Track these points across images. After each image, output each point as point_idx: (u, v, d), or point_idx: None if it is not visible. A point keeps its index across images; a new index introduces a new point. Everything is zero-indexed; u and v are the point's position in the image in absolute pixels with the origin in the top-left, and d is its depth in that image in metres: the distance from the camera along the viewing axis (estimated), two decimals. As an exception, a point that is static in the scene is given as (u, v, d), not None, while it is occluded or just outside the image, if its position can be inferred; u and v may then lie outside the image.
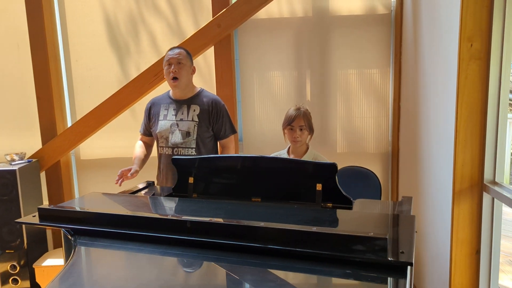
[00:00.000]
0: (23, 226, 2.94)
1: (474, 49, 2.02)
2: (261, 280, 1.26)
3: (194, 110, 2.54)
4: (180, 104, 2.56)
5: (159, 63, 3.10)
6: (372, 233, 1.27)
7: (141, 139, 2.75)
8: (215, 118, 2.55)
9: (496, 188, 2.03)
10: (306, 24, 3.32)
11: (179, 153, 2.52)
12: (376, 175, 2.77)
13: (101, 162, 3.59)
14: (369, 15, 3.27)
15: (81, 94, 3.50)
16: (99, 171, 3.59)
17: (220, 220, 1.41)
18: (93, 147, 3.54)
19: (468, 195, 2.13)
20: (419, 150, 2.74)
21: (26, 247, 2.95)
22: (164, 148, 2.56)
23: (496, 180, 2.08)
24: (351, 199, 1.84)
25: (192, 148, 2.52)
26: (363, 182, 2.89)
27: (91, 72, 3.47)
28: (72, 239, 1.49)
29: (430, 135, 2.52)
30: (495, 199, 2.07)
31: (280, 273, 1.29)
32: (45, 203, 3.39)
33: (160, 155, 2.60)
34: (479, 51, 2.01)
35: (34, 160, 3.18)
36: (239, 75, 3.40)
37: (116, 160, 3.56)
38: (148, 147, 2.74)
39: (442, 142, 2.31)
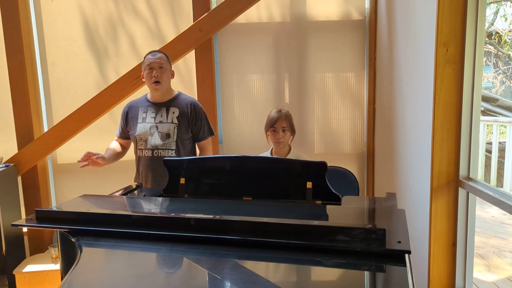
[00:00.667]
0: (1, 232, 2.87)
1: (450, 54, 2.16)
2: (266, 272, 1.32)
3: (174, 113, 2.58)
4: (159, 106, 2.60)
5: (140, 66, 3.09)
6: (370, 225, 1.36)
7: (116, 140, 2.76)
8: (194, 120, 2.60)
9: (471, 183, 2.18)
10: (284, 29, 3.41)
11: (159, 155, 2.55)
12: (353, 174, 2.89)
13: (78, 166, 3.53)
14: (344, 21, 3.40)
15: (58, 98, 3.44)
16: (77, 175, 3.54)
17: (225, 217, 1.46)
18: (70, 150, 3.48)
19: (445, 190, 2.28)
20: (396, 149, 2.88)
21: (4, 253, 2.87)
22: (144, 151, 2.58)
23: (470, 176, 2.23)
24: (340, 196, 1.93)
25: (172, 149, 2.55)
26: (341, 181, 3.00)
27: (68, 75, 3.42)
28: (75, 240, 1.50)
29: (407, 135, 2.66)
30: (469, 194, 2.22)
31: (284, 266, 1.35)
32: (21, 209, 3.31)
33: (139, 158, 2.62)
34: (454, 55, 2.16)
35: (11, 164, 3.11)
36: (219, 78, 3.45)
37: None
38: (122, 148, 2.75)
39: (419, 142, 2.45)
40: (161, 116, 2.57)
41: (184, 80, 3.42)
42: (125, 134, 2.70)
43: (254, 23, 3.40)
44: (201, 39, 3.11)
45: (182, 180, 2.09)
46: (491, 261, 3.60)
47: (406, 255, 1.26)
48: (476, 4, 2.09)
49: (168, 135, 2.54)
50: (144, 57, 2.57)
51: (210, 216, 1.49)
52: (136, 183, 2.56)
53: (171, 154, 2.54)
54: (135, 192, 2.26)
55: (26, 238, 3.35)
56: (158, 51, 2.61)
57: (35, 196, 3.33)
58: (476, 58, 2.14)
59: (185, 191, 2.08)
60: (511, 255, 3.75)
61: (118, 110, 3.32)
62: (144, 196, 2.17)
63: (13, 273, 2.82)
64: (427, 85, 2.29)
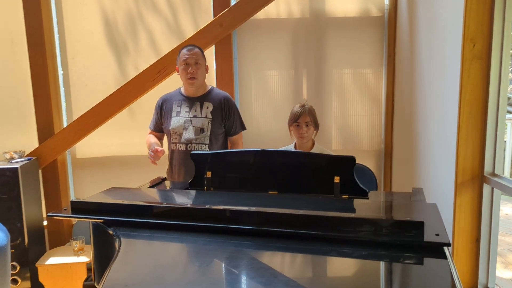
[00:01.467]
0: (24, 225, 2.90)
1: (477, 50, 2.16)
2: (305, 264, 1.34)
3: (207, 107, 2.60)
4: (193, 101, 2.62)
5: (162, 60, 3.12)
6: (409, 218, 1.37)
7: (151, 133, 2.78)
8: (227, 115, 2.62)
9: (496, 179, 2.18)
10: (303, 25, 3.42)
11: (193, 149, 2.57)
12: (371, 171, 2.89)
13: (97, 160, 3.57)
14: (363, 17, 3.40)
15: (77, 92, 3.47)
16: (95, 169, 3.57)
17: (261, 209, 1.48)
18: (89, 145, 3.51)
19: (469, 186, 2.28)
20: (417, 146, 2.88)
21: (27, 246, 2.90)
22: (178, 144, 2.60)
23: (495, 172, 2.23)
24: (367, 191, 1.94)
25: (205, 144, 2.58)
26: (360, 178, 3.01)
27: (87, 70, 3.45)
28: (111, 231, 1.52)
29: (431, 131, 2.66)
30: (494, 189, 2.22)
31: (324, 258, 1.36)
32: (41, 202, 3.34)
33: (172, 151, 2.64)
34: (481, 51, 2.16)
35: (33, 158, 3.14)
36: (237, 73, 3.46)
37: (112, 158, 3.55)
38: (159, 141, 2.78)
39: (444, 138, 2.45)
40: (195, 110, 2.60)
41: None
42: (159, 127, 2.74)
43: (273, 19, 3.41)
44: (222, 34, 3.12)
45: (209, 174, 2.12)
46: (507, 258, 3.60)
47: (446, 248, 1.28)
48: (504, 0, 2.09)
49: (202, 130, 2.57)
50: (180, 52, 2.59)
51: (246, 208, 1.51)
52: (159, 177, 2.58)
53: (205, 148, 2.56)
54: (160, 185, 2.28)
55: (45, 232, 3.39)
56: (194, 45, 2.63)
57: (54, 190, 3.36)
58: (503, 54, 2.14)
59: (211, 184, 2.10)
60: (528, 253, 3.75)
61: (136, 105, 3.36)
62: (171, 189, 2.20)
63: (36, 265, 2.85)
64: (452, 81, 2.29)
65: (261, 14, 3.35)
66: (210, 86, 2.69)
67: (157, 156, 2.44)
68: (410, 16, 3.01)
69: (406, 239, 1.31)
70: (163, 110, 2.69)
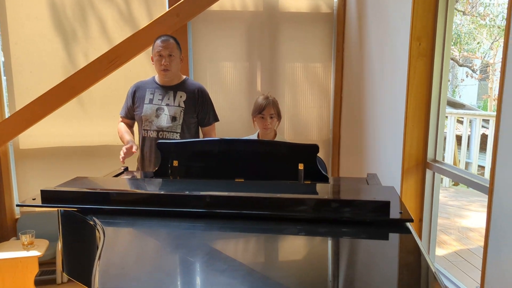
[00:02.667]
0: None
1: (422, 48, 2.38)
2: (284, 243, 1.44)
3: (181, 97, 2.61)
4: (166, 89, 2.62)
5: (115, 49, 3.05)
6: (375, 198, 1.52)
7: (122, 121, 2.73)
8: (201, 106, 2.65)
9: (437, 165, 2.43)
10: (257, 18, 3.50)
11: (164, 137, 2.57)
12: (322, 159, 3.07)
13: (42, 151, 3.42)
14: (314, 13, 3.55)
15: (21, 80, 3.29)
16: (41, 161, 3.42)
17: (242, 194, 1.55)
18: (34, 135, 3.35)
19: (414, 172, 2.51)
20: (365, 136, 3.09)
21: (-30, 242, 2.74)
22: (149, 131, 2.60)
23: (436, 158, 2.48)
24: (328, 177, 2.08)
25: (177, 132, 2.59)
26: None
27: (32, 57, 3.28)
28: (89, 219, 1.51)
29: (379, 122, 2.87)
30: (435, 173, 2.47)
31: (303, 237, 1.47)
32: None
33: (143, 138, 2.63)
34: (426, 49, 2.38)
35: (-25, 149, 2.95)
36: (192, 64, 3.47)
37: (59, 149, 3.42)
38: (130, 129, 2.74)
39: (391, 128, 2.66)
40: (168, 99, 2.59)
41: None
42: (131, 114, 2.70)
43: (228, 11, 3.45)
44: (178, 24, 3.12)
45: (175, 163, 2.15)
46: (439, 238, 3.97)
47: (409, 224, 1.43)
48: (446, 2, 2.32)
49: (174, 118, 2.57)
50: (154, 42, 2.58)
51: (225, 193, 1.57)
52: (122, 166, 2.55)
53: (176, 136, 2.57)
54: (123, 174, 2.27)
55: (-13, 227, 3.20)
56: (169, 36, 2.61)
57: (-4, 183, 3.18)
58: (444, 52, 2.37)
59: (177, 173, 2.13)
60: (455, 232, 4.16)
61: (86, 95, 3.26)
62: (137, 178, 2.20)
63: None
64: (400, 77, 2.49)
65: (216, 6, 3.38)
66: (185, 77, 2.71)
67: (129, 154, 2.42)
68: (359, 14, 3.20)
69: (373, 218, 1.45)
70: (135, 97, 2.66)
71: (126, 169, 2.38)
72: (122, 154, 2.41)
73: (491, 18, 8.38)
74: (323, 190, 1.86)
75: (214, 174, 2.11)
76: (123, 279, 1.14)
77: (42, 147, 3.40)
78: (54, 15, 3.26)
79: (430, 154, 2.48)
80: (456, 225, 4.38)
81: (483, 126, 6.28)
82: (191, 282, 1.13)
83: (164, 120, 2.59)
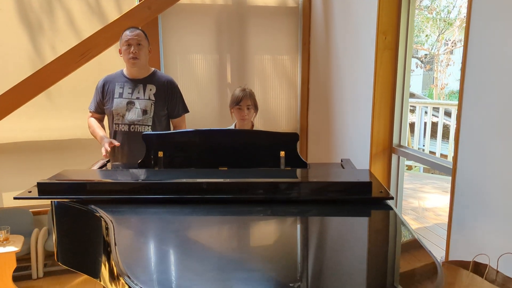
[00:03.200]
0: None
1: (387, 41, 2.57)
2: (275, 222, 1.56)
3: (151, 90, 2.64)
4: (136, 83, 2.63)
5: (86, 42, 3.04)
6: (358, 179, 1.67)
7: (92, 116, 2.72)
8: (170, 98, 2.68)
9: (402, 149, 2.64)
10: (226, 11, 3.58)
11: (136, 130, 2.60)
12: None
13: (9, 146, 3.35)
14: (280, 7, 3.68)
15: (-16, 73, 3.20)
16: (8, 156, 3.34)
17: (239, 180, 1.66)
18: (1, 130, 3.27)
19: (381, 156, 2.71)
20: (334, 124, 3.27)
21: None
22: (120, 125, 2.61)
23: (401, 143, 2.69)
24: (307, 163, 2.22)
25: (148, 125, 2.62)
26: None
27: (-4, 49, 3.19)
28: (92, 210, 1.56)
29: (347, 111, 3.05)
30: (400, 157, 2.69)
31: (294, 217, 1.60)
32: None
33: (115, 132, 2.63)
34: (391, 42, 2.57)
35: None
36: (163, 57, 3.50)
37: (27, 144, 3.36)
38: (100, 122, 2.74)
39: (359, 117, 2.85)
40: (138, 92, 2.61)
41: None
42: (101, 109, 2.68)
43: (197, 4, 3.51)
44: (149, 17, 3.14)
45: (160, 154, 2.21)
46: (399, 219, 4.25)
47: (391, 201, 1.60)
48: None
49: (145, 111, 2.60)
50: (122, 33, 2.57)
51: (221, 180, 1.68)
52: (103, 159, 2.57)
53: (148, 129, 2.60)
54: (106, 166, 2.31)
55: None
56: (136, 27, 2.62)
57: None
58: (407, 45, 2.58)
59: (162, 164, 2.20)
60: (412, 212, 4.47)
61: (55, 88, 3.22)
62: (123, 169, 2.24)
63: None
64: (367, 68, 2.68)
65: (185, -1, 3.43)
66: (153, 69, 2.72)
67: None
68: (325, 9, 3.36)
69: (358, 197, 1.61)
70: (105, 91, 2.66)
71: (108, 161, 2.42)
72: (104, 152, 2.43)
73: (437, 12, 8.89)
74: (306, 174, 2.00)
75: (198, 163, 2.19)
76: (142, 259, 1.22)
77: (10, 142, 3.32)
78: (19, 6, 3.18)
79: (395, 140, 2.69)
80: (412, 206, 4.70)
81: (432, 115, 6.71)
82: (194, 255, 1.24)
83: (135, 114, 2.61)
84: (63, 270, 3.17)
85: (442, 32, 9.03)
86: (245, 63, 3.69)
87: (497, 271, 1.61)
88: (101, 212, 1.53)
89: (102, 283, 1.54)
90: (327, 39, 3.33)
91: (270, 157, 2.18)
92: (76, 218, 1.68)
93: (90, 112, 2.74)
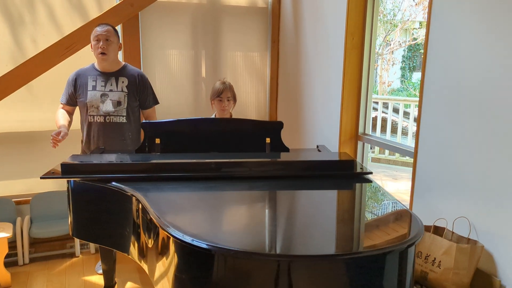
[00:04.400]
0: None
1: (355, 42, 2.92)
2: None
3: (123, 82, 2.81)
4: (108, 76, 2.80)
5: (71, 36, 3.15)
6: (341, 158, 1.99)
7: (63, 108, 2.84)
8: (141, 90, 2.87)
9: (366, 137, 3.01)
10: (201, 10, 3.80)
11: (111, 121, 2.77)
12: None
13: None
14: (251, 7, 3.95)
15: (-37, 65, 3.21)
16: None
17: (240, 159, 1.92)
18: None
19: (348, 143, 3.07)
20: (303, 116, 3.59)
21: None
22: (96, 117, 2.76)
23: (365, 132, 3.07)
24: (289, 148, 2.52)
25: (123, 116, 2.80)
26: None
27: (-25, 41, 3.22)
28: (118, 187, 1.76)
29: (317, 104, 3.38)
30: (365, 144, 3.06)
31: (294, 192, 1.89)
32: None
33: (90, 123, 2.77)
34: (358, 43, 2.93)
35: None
36: (142, 52, 3.66)
37: (7, 135, 3.41)
38: (70, 115, 2.86)
39: (330, 109, 3.19)
40: (111, 85, 2.77)
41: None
42: (72, 101, 2.81)
43: (174, 2, 3.70)
44: (132, 13, 3.30)
45: (157, 141, 2.43)
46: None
47: (370, 175, 1.94)
48: (372, 4, 2.88)
49: (119, 103, 2.77)
50: (94, 30, 2.73)
51: (228, 160, 1.94)
52: (99, 147, 2.72)
53: (123, 120, 2.78)
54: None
55: None
56: (106, 24, 2.78)
57: None
58: (371, 45, 2.95)
59: (159, 150, 2.41)
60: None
61: (35, 80, 3.28)
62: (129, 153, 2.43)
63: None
64: (337, 65, 3.02)
65: (163, -3, 3.61)
66: (124, 63, 2.90)
67: (57, 140, 2.52)
68: (294, 11, 3.67)
69: (344, 172, 1.93)
70: (77, 85, 2.80)
71: (103, 149, 2.59)
72: (51, 142, 2.50)
73: (384, 14, 9.54)
74: (293, 156, 2.30)
75: (191, 149, 2.43)
76: (183, 217, 1.46)
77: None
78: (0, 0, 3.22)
79: (361, 129, 3.06)
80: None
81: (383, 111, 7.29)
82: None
83: (109, 105, 2.77)
84: (48, 256, 3.28)
85: (388, 33, 9.70)
86: (219, 58, 3.93)
87: (453, 232, 1.99)
88: (126, 189, 1.73)
89: (130, 251, 1.76)
90: (296, 38, 3.65)
91: (257, 143, 2.46)
92: (97, 196, 1.87)
93: (61, 104, 2.87)
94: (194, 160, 1.95)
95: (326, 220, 1.51)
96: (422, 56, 2.23)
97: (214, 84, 3.00)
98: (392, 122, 6.85)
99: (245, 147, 2.46)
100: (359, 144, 3.07)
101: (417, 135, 2.28)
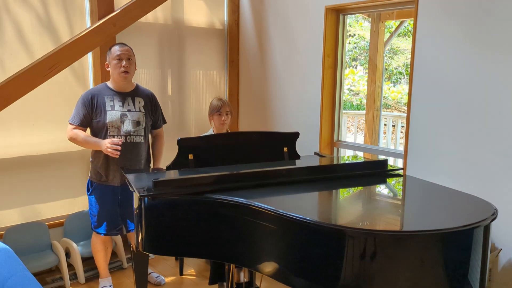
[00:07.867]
0: None
1: (330, 62, 3.42)
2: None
3: (140, 102, 2.86)
4: (124, 96, 2.81)
5: (55, 56, 3.01)
6: (375, 159, 2.43)
7: (75, 129, 2.75)
8: (154, 110, 2.95)
9: (340, 143, 3.52)
10: (166, 30, 3.91)
11: (132, 141, 2.79)
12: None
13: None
14: (209, 29, 4.19)
15: None
16: None
17: (293, 167, 2.22)
18: None
19: (327, 149, 3.54)
20: (277, 128, 3.94)
21: None
22: (116, 137, 2.74)
23: (340, 139, 3.57)
24: (300, 155, 2.86)
25: (141, 135, 2.84)
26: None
27: None
28: (212, 198, 1.91)
29: (297, 117, 3.72)
30: (340, 149, 3.57)
31: (336, 191, 2.24)
32: None
33: None
34: (332, 63, 3.43)
35: None
36: (112, 71, 3.62)
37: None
38: None
39: (310, 120, 3.59)
40: (128, 105, 2.78)
41: (76, 71, 3.41)
42: (87, 122, 2.74)
43: (142, 22, 3.74)
44: (114, 33, 3.29)
45: (191, 156, 2.56)
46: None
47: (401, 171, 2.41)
48: (343, 30, 3.42)
49: (138, 123, 2.80)
50: (110, 48, 2.72)
51: (290, 166, 2.22)
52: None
53: (141, 140, 2.81)
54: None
55: None
56: (124, 44, 2.80)
57: None
58: (342, 65, 3.47)
59: (193, 165, 2.55)
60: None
61: (20, 100, 3.06)
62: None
63: None
64: (315, 83, 3.47)
65: (132, 17, 3.63)
66: (135, 83, 2.94)
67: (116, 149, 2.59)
68: (258, 32, 4.02)
69: (379, 171, 2.36)
70: (94, 105, 2.75)
71: (124, 168, 2.61)
72: (111, 150, 2.60)
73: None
74: (328, 161, 2.66)
75: (219, 162, 2.62)
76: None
77: None
78: (-39, 15, 2.92)
79: (336, 136, 3.55)
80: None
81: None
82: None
83: (129, 125, 2.81)
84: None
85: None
86: (183, 77, 4.07)
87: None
88: (225, 200, 1.90)
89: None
90: (262, 59, 4.00)
91: (277, 152, 2.74)
92: (186, 210, 1.97)
93: (74, 125, 2.78)
94: (270, 168, 2.18)
95: (413, 205, 1.93)
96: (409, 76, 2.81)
97: (211, 101, 3.19)
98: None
99: (267, 156, 2.70)
100: (335, 150, 3.56)
101: (406, 130, 2.85)
